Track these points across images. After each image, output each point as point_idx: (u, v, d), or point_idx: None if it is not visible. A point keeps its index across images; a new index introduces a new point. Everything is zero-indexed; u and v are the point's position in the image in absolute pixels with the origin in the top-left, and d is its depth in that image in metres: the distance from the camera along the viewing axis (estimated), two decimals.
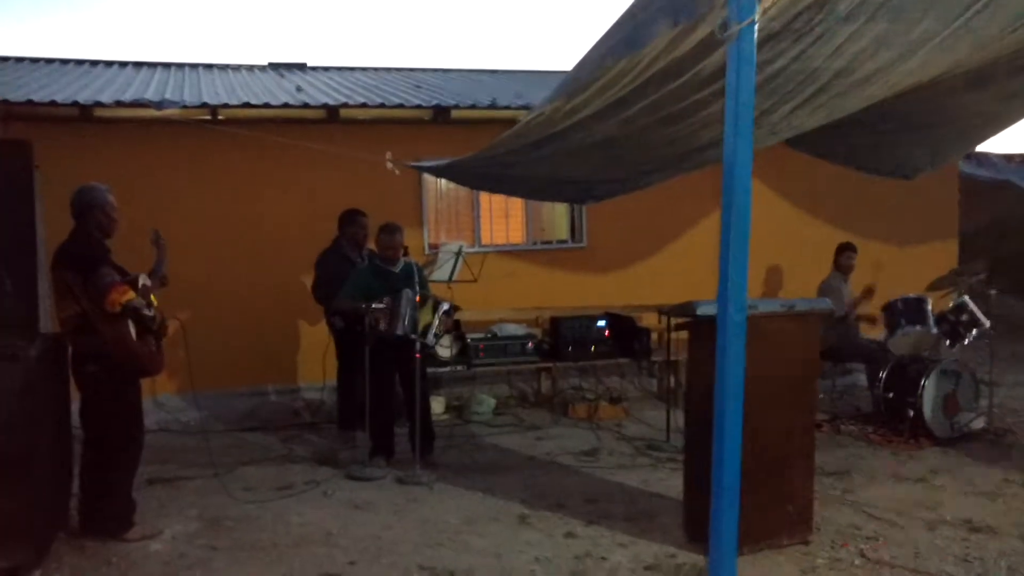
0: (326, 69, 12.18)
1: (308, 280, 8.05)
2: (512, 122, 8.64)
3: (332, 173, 8.35)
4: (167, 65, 11.25)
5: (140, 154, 7.94)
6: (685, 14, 2.21)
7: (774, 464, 4.67)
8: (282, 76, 10.90)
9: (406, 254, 6.40)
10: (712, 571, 2.40)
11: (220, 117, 7.92)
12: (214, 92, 8.67)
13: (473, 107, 8.48)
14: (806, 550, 4.75)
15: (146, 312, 4.63)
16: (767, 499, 4.66)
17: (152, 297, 4.84)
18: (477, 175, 5.14)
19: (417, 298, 6.03)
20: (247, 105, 7.84)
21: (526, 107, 8.63)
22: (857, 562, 4.58)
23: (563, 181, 4.75)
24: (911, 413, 7.07)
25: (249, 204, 8.31)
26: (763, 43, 2.74)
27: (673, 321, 4.93)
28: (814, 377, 4.91)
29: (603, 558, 4.63)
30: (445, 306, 6.18)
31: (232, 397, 8.05)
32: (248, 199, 8.31)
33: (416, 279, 6.26)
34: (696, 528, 4.81)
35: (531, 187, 5.21)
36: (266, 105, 7.93)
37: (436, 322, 6.09)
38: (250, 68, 11.74)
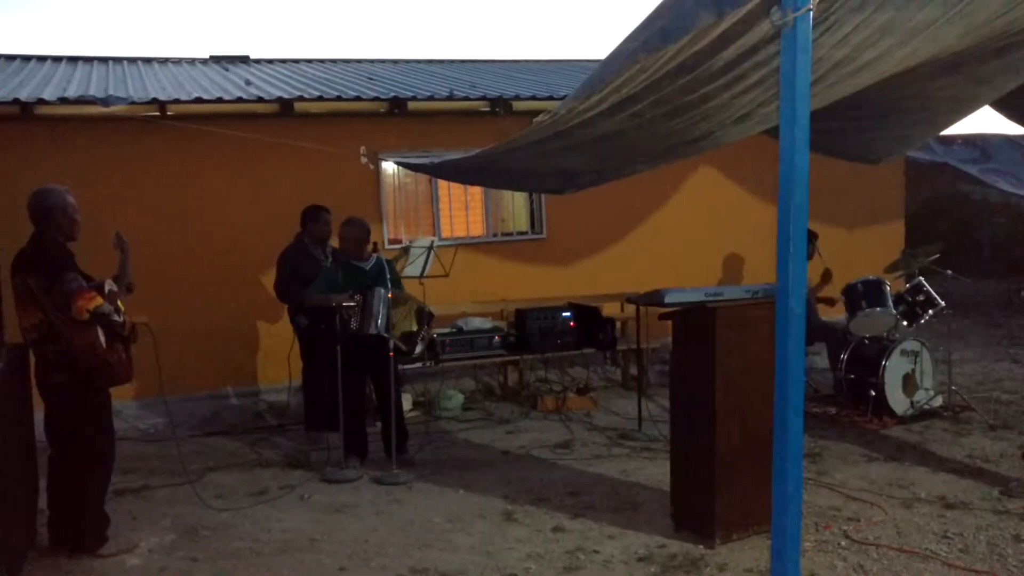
0: (270, 62, 11.91)
1: (265, 279, 7.88)
2: (468, 113, 8.72)
3: (287, 169, 8.17)
4: (104, 60, 10.87)
5: (87, 153, 7.65)
6: (730, 4, 2.17)
7: (761, 450, 4.67)
8: (226, 70, 10.62)
9: (375, 250, 6.27)
10: (775, 566, 2.37)
11: (169, 113, 7.66)
12: (160, 87, 8.39)
13: (431, 98, 8.36)
14: None
15: (115, 318, 4.44)
16: (755, 485, 4.66)
17: (119, 302, 4.65)
18: (459, 168, 5.05)
19: (390, 295, 5.91)
20: (199, 100, 7.60)
21: (483, 98, 8.58)
22: (843, 543, 4.64)
23: (549, 172, 4.70)
24: (873, 393, 7.21)
25: (201, 202, 8.07)
26: (774, 37, 2.73)
27: (657, 311, 4.90)
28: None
29: (595, 551, 4.61)
30: (430, 313, 6.11)
31: (191, 402, 7.82)
32: (199, 197, 8.07)
33: (388, 276, 6.15)
34: (684, 517, 4.84)
35: (514, 178, 5.14)
36: (219, 100, 7.69)
37: (423, 330, 6.02)
38: (191, 62, 11.42)
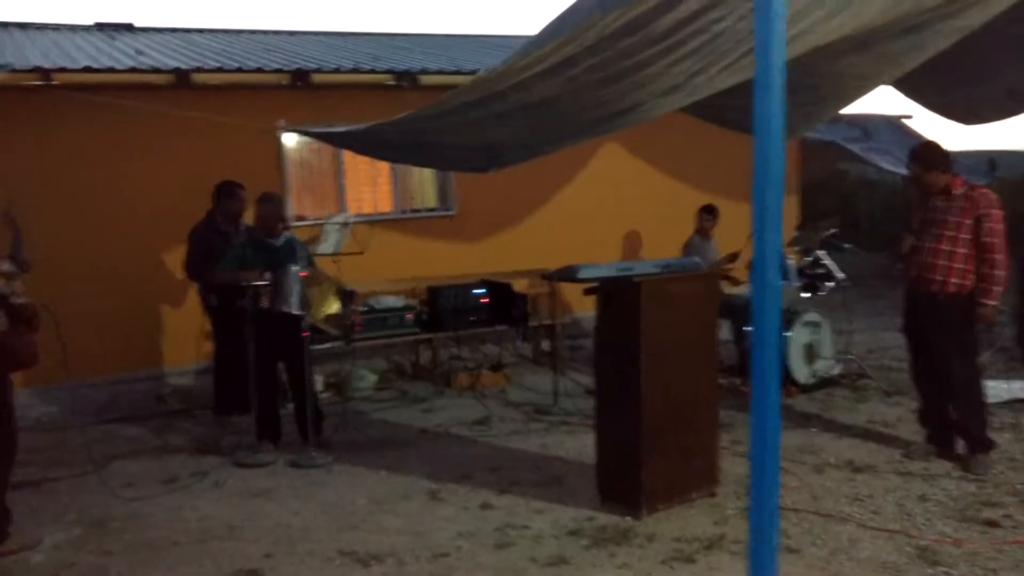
0: (158, 30, 11.33)
1: (167, 257, 7.57)
2: (374, 87, 8.51)
3: (185, 143, 7.82)
4: None
5: None
6: None
7: (685, 420, 4.78)
8: (112, 38, 10.05)
9: (286, 228, 6.07)
10: (753, 541, 2.38)
11: (54, 83, 7.19)
12: (43, 55, 7.87)
13: (336, 71, 8.12)
14: (714, 502, 4.91)
15: (16, 299, 4.15)
16: (679, 455, 4.78)
17: (17, 283, 4.34)
18: (379, 143, 4.90)
19: (303, 274, 5.73)
20: (88, 69, 7.16)
21: (390, 71, 8.40)
22: None
23: (475, 148, 4.62)
24: None
25: (93, 177, 7.63)
26: (719, 3, 2.73)
27: (567, 287, 4.92)
28: (715, 332, 5.05)
29: (524, 527, 4.61)
30: (353, 293, 5.96)
31: (86, 388, 7.41)
32: (92, 172, 7.63)
33: (299, 254, 5.98)
34: (610, 489, 4.89)
35: (435, 154, 5.03)
36: (110, 70, 7.27)
37: (349, 309, 5.87)
38: (72, 28, 10.76)
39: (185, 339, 7.63)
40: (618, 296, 4.65)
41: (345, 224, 6.76)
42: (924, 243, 5.32)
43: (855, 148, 15.12)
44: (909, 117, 15.44)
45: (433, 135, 4.28)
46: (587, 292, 4.85)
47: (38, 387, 7.16)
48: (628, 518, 4.66)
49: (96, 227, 7.60)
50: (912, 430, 6.15)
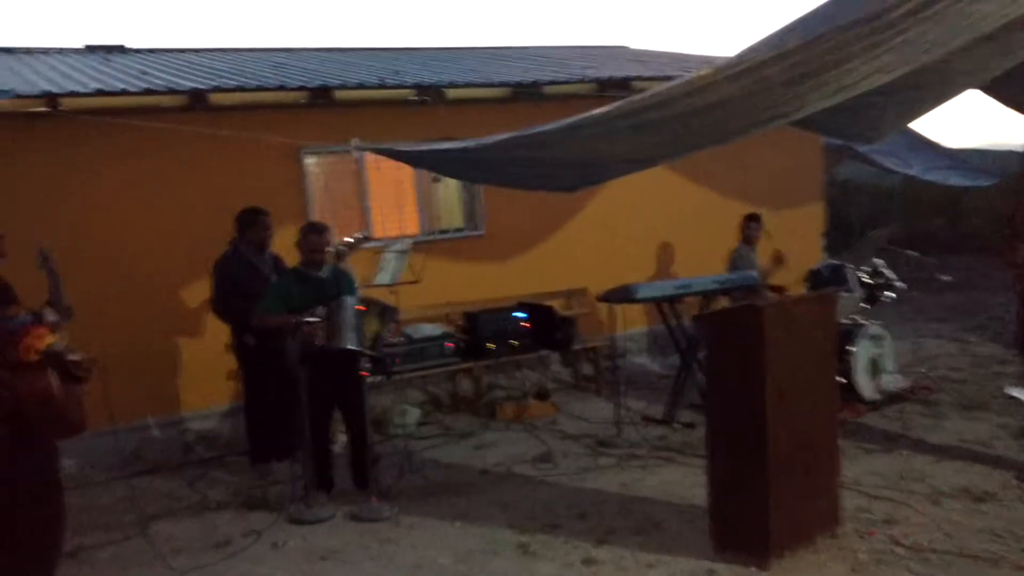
0: (151, 51, 10.75)
1: (184, 290, 7.01)
2: (401, 102, 8.00)
3: (202, 168, 7.25)
4: None
5: None
6: None
7: (810, 455, 4.34)
8: (107, 60, 9.46)
9: (342, 258, 5.55)
10: None
11: (61, 108, 6.61)
12: (46, 79, 7.28)
13: (360, 87, 7.61)
14: (839, 544, 4.46)
15: (72, 356, 3.60)
16: (806, 494, 4.32)
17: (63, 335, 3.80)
18: (465, 162, 4.40)
19: (359, 307, 5.21)
20: (100, 92, 6.59)
21: (417, 85, 7.88)
22: (899, 551, 4.33)
23: (574, 165, 4.13)
24: (844, 380, 7.03)
25: (105, 207, 7.01)
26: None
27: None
28: (833, 358, 4.60)
29: None
30: (392, 311, 5.44)
31: (105, 438, 6.77)
32: (103, 202, 7.01)
33: (347, 284, 5.48)
34: (728, 536, 4.40)
35: (527, 174, 4.52)
36: (123, 92, 6.70)
37: (386, 330, 5.34)
38: (61, 51, 10.16)
39: (207, 379, 7.08)
40: (737, 322, 4.19)
41: (406, 251, 6.22)
42: None
43: (862, 149, 14.87)
44: None
45: (541, 151, 3.81)
46: (696, 319, 4.40)
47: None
48: (753, 569, 4.19)
49: (107, 260, 6.98)
50: (1014, 447, 5.77)
